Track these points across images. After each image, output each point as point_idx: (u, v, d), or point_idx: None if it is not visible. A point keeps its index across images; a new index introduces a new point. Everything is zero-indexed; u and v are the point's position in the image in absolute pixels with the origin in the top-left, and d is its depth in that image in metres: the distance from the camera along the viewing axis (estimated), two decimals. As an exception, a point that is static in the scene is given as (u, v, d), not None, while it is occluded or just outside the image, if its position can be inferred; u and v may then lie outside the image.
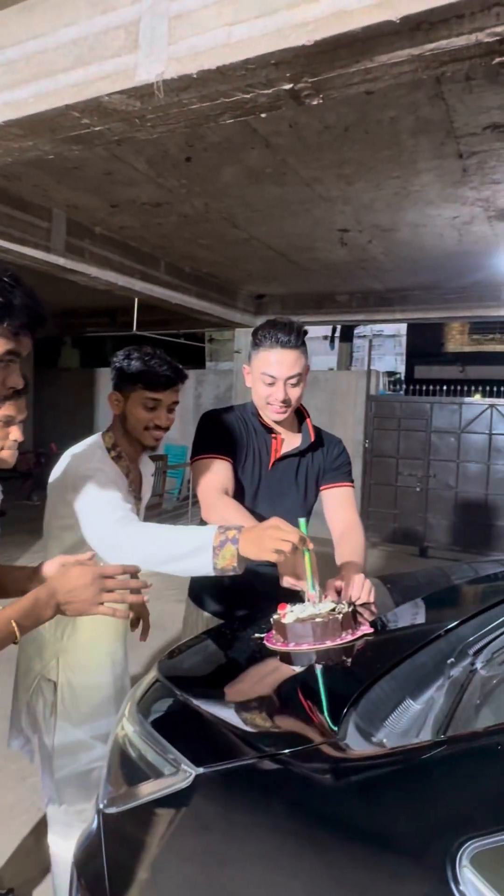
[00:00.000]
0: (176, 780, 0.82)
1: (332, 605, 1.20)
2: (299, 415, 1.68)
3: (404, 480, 6.83)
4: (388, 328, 12.12)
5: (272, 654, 1.14)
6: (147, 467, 1.66)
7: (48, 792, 1.54)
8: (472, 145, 2.97)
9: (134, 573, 1.06)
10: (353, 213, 3.98)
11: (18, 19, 2.10)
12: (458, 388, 6.69)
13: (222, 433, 1.58)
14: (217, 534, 1.16)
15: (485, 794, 0.61)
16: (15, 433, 1.00)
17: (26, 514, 3.83)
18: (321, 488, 1.67)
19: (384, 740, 0.81)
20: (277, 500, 1.62)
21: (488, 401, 6.45)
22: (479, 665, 1.01)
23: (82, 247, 4.39)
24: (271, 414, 1.55)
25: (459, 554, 6.42)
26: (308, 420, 1.66)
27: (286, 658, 1.11)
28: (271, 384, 1.50)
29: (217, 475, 1.52)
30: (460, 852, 0.53)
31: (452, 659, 1.02)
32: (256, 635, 1.22)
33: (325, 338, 10.87)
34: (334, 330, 10.41)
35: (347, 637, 1.13)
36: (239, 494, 1.60)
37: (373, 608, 1.34)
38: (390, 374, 11.37)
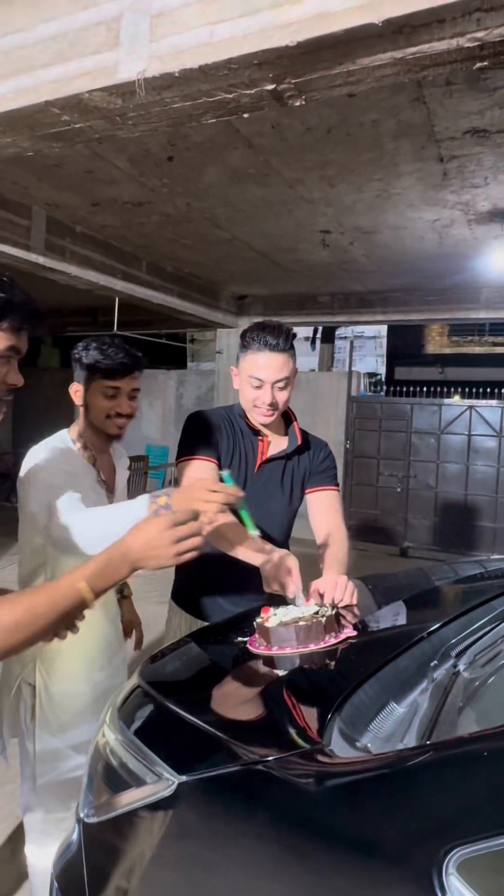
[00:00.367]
0: (158, 789, 0.81)
1: (316, 609, 1.19)
2: (286, 418, 1.68)
3: (385, 481, 6.88)
4: (369, 330, 12.20)
5: (255, 658, 1.13)
6: (121, 459, 1.65)
7: (26, 800, 1.52)
8: (452, 149, 3.00)
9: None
10: (335, 215, 3.99)
11: (-2, 13, 2.06)
12: (438, 389, 6.76)
13: (208, 435, 1.58)
14: (149, 503, 1.12)
15: (471, 801, 0.61)
16: None
17: (5, 515, 3.76)
18: (306, 491, 1.67)
19: (368, 745, 0.80)
20: (263, 503, 1.61)
21: (467, 402, 6.53)
22: (461, 667, 1.01)
23: (63, 245, 4.34)
24: (258, 417, 1.55)
25: (439, 554, 6.48)
26: (295, 423, 1.66)
27: (269, 662, 1.10)
28: (259, 387, 1.49)
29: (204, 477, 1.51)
30: (447, 860, 0.53)
31: (435, 661, 1.02)
32: (239, 639, 1.21)
33: (307, 339, 10.91)
34: (315, 331, 10.45)
35: (331, 640, 1.13)
36: None
37: (355, 610, 1.34)
38: (371, 375, 11.44)
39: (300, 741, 0.81)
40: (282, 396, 1.52)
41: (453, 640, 1.12)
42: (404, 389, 6.92)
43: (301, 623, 1.12)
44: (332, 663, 1.09)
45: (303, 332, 10.68)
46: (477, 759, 0.67)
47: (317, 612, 1.17)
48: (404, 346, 12.51)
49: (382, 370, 12.60)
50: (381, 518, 6.90)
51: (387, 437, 6.88)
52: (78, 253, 4.48)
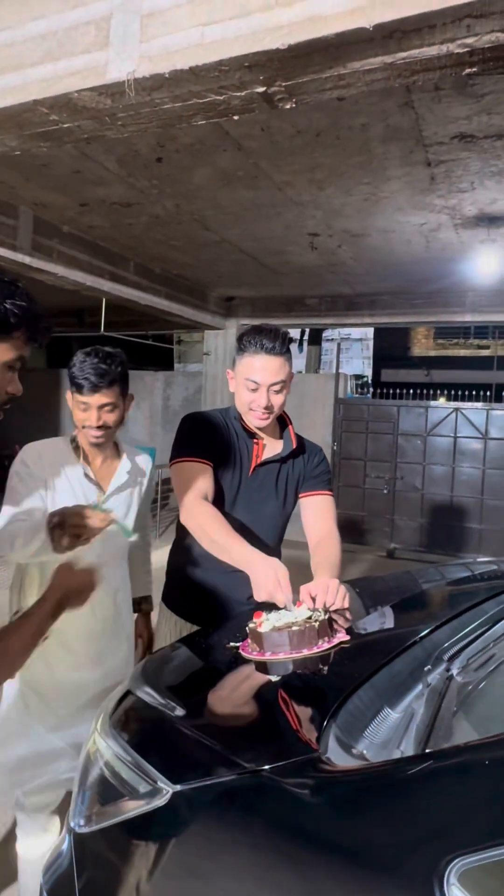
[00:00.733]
0: (152, 799, 0.80)
1: (309, 613, 1.19)
2: (282, 422, 1.68)
3: (372, 483, 6.91)
4: (356, 332, 12.27)
5: (248, 663, 1.12)
6: (131, 462, 1.67)
7: (17, 796, 1.54)
8: (440, 154, 3.02)
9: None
10: (324, 218, 4.00)
11: (-16, 11, 2.04)
12: (424, 391, 6.81)
13: (204, 437, 1.57)
14: None
15: (472, 810, 0.61)
16: None
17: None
18: (300, 495, 1.67)
19: (364, 752, 0.80)
20: (256, 506, 1.61)
21: (453, 404, 6.58)
22: (454, 671, 1.01)
23: (50, 246, 4.30)
24: (254, 420, 1.54)
25: (426, 555, 6.52)
26: (290, 427, 1.66)
27: (262, 668, 1.09)
28: (255, 390, 1.49)
29: (198, 480, 1.51)
30: (448, 869, 0.53)
31: (429, 666, 1.02)
32: (231, 644, 1.20)
33: (294, 341, 10.92)
34: (303, 333, 10.47)
35: (324, 645, 1.12)
36: (218, 498, 1.58)
37: (347, 614, 1.34)
38: (358, 377, 11.51)
39: (297, 749, 0.81)
40: (277, 399, 1.52)
41: (445, 644, 1.12)
42: (391, 391, 6.96)
43: (294, 628, 1.12)
44: (326, 668, 1.09)
45: (290, 334, 10.68)
46: (478, 768, 0.66)
47: (310, 617, 1.17)
48: (390, 348, 12.60)
49: (369, 372, 12.67)
50: (367, 520, 6.93)
51: (374, 438, 6.91)
52: (65, 253, 4.45)
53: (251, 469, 1.60)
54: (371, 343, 12.70)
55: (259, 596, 1.29)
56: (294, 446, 1.62)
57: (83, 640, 1.61)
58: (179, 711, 0.95)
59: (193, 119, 2.03)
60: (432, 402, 6.70)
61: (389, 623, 1.41)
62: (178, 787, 0.78)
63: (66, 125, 2.11)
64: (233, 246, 4.73)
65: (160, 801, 0.79)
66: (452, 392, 6.84)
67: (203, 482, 1.51)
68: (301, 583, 1.37)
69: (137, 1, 1.81)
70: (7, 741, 1.54)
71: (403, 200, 3.64)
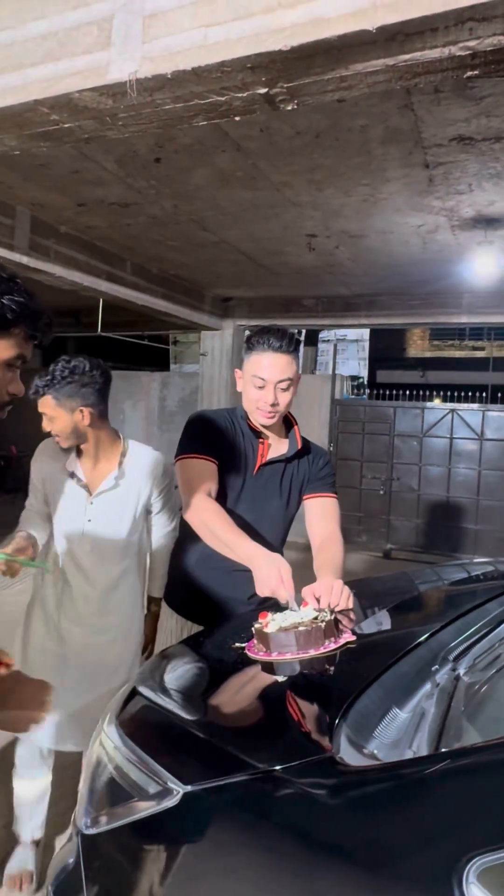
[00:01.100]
0: (162, 800, 0.80)
1: (315, 614, 1.19)
2: (287, 423, 1.69)
3: (368, 483, 6.92)
4: (352, 333, 12.28)
5: (255, 664, 1.12)
6: (115, 470, 1.73)
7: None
8: (438, 156, 3.04)
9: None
10: (322, 219, 4.01)
11: (-15, 10, 2.03)
12: (420, 392, 6.83)
13: (209, 435, 1.59)
14: None
15: (490, 809, 0.61)
16: None
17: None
18: (304, 497, 1.68)
19: (375, 752, 0.80)
20: (260, 505, 1.62)
21: (449, 405, 6.60)
22: (461, 671, 1.01)
23: (47, 246, 4.29)
24: (260, 418, 1.55)
25: (422, 556, 6.54)
26: (296, 428, 1.67)
27: (269, 668, 1.10)
28: (262, 387, 1.51)
29: (202, 477, 1.52)
30: (467, 868, 0.53)
31: (436, 666, 1.02)
32: (237, 645, 1.20)
33: (301, 342, 10.92)
34: (299, 334, 10.48)
35: (330, 646, 1.13)
36: (222, 497, 1.59)
37: (351, 615, 1.34)
38: (353, 378, 11.52)
39: (310, 749, 0.81)
40: (284, 398, 1.53)
41: (451, 645, 1.13)
42: (386, 393, 6.98)
43: (301, 628, 1.12)
44: (333, 669, 1.09)
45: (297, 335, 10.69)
46: (496, 766, 0.67)
47: (316, 618, 1.17)
48: (386, 349, 12.63)
49: (364, 373, 12.69)
50: (364, 520, 6.94)
51: (370, 439, 6.92)
52: (63, 253, 4.44)
53: (256, 468, 1.61)
54: (367, 344, 12.73)
55: (262, 591, 1.30)
56: (299, 447, 1.63)
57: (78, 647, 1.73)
58: (187, 712, 0.95)
59: (194, 120, 2.03)
60: (428, 404, 6.72)
61: (394, 624, 1.41)
62: (189, 788, 0.78)
63: (66, 125, 2.11)
64: (231, 246, 4.73)
65: (171, 802, 0.78)
66: (447, 393, 6.87)
67: (207, 479, 1.52)
68: (302, 583, 1.38)
69: (139, 1, 1.81)
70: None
71: (402, 202, 3.65)
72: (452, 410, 6.54)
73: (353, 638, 1.17)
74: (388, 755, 0.79)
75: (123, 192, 3.68)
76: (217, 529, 1.42)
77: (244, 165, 3.21)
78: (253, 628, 1.19)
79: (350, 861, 0.62)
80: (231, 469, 1.59)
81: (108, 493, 1.71)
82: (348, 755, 0.77)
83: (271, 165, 3.21)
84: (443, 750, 0.77)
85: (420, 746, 0.81)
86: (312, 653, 1.10)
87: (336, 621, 1.20)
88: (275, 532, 1.66)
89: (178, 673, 1.18)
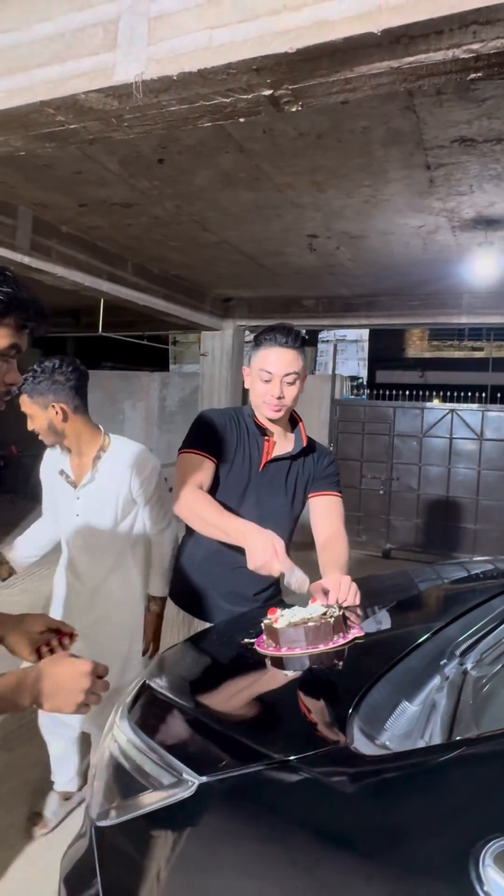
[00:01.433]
0: (178, 791, 0.81)
1: (323, 610, 1.20)
2: (293, 421, 1.72)
3: (368, 483, 6.94)
4: (351, 334, 12.30)
5: (264, 658, 1.13)
6: (98, 461, 1.80)
7: None
8: (439, 157, 3.05)
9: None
10: (324, 220, 4.02)
11: (-9, 12, 2.05)
12: (419, 393, 6.85)
13: (212, 433, 1.61)
14: None
15: (506, 794, 0.63)
16: None
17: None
18: (309, 496, 1.70)
19: (387, 743, 0.82)
20: (265, 502, 1.64)
21: (449, 406, 6.62)
22: (468, 666, 1.03)
23: (49, 246, 4.30)
24: (267, 411, 1.58)
25: (421, 555, 6.56)
26: (301, 426, 1.70)
27: (278, 663, 1.11)
28: (268, 381, 1.55)
29: (196, 471, 1.55)
30: (484, 851, 0.55)
31: (444, 660, 1.04)
32: (246, 640, 1.21)
33: (307, 340, 10.93)
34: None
35: (339, 641, 1.14)
36: (227, 493, 1.61)
37: (358, 611, 1.36)
38: (353, 378, 11.54)
39: (324, 740, 0.82)
40: (290, 392, 1.56)
41: (458, 640, 1.14)
42: (385, 393, 7.00)
43: (310, 624, 1.13)
44: (342, 664, 1.10)
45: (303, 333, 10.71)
46: (511, 752, 0.68)
47: (324, 614, 1.19)
48: (385, 349, 12.65)
49: (364, 374, 12.72)
50: (364, 520, 6.95)
51: (370, 439, 6.94)
52: (64, 253, 4.45)
53: (261, 465, 1.63)
54: (366, 345, 12.75)
55: (253, 564, 1.29)
56: (304, 444, 1.66)
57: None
58: (199, 704, 0.97)
59: (199, 121, 2.04)
60: (428, 404, 6.74)
61: (400, 620, 1.43)
62: (205, 779, 0.79)
63: (72, 126, 2.12)
64: (232, 247, 4.75)
65: (186, 793, 0.80)
66: (446, 393, 6.89)
67: (200, 474, 1.55)
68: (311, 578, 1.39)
69: (145, 4, 1.82)
70: None
71: (402, 203, 3.66)
72: (452, 410, 6.56)
73: (362, 633, 1.19)
74: (400, 746, 0.81)
75: (126, 193, 3.69)
76: (206, 514, 1.45)
77: (247, 166, 3.23)
78: (262, 624, 1.21)
79: (367, 846, 0.63)
80: (236, 466, 1.62)
81: (88, 487, 1.79)
82: (362, 746, 0.78)
83: (274, 166, 3.22)
84: (457, 738, 0.78)
85: (433, 737, 0.82)
86: (322, 648, 1.12)
87: (344, 617, 1.21)
88: (280, 529, 1.66)
89: (188, 668, 1.19)
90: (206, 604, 1.67)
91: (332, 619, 1.15)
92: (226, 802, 0.77)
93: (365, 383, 12.25)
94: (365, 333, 12.40)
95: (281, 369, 1.53)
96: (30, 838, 2.00)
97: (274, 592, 1.72)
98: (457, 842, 0.58)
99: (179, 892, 0.77)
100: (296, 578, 1.30)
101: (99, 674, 0.92)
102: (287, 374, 1.54)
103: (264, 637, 1.19)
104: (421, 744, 0.81)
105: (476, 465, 6.49)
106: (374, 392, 7.32)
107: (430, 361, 12.59)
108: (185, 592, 1.73)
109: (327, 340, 11.63)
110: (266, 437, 1.64)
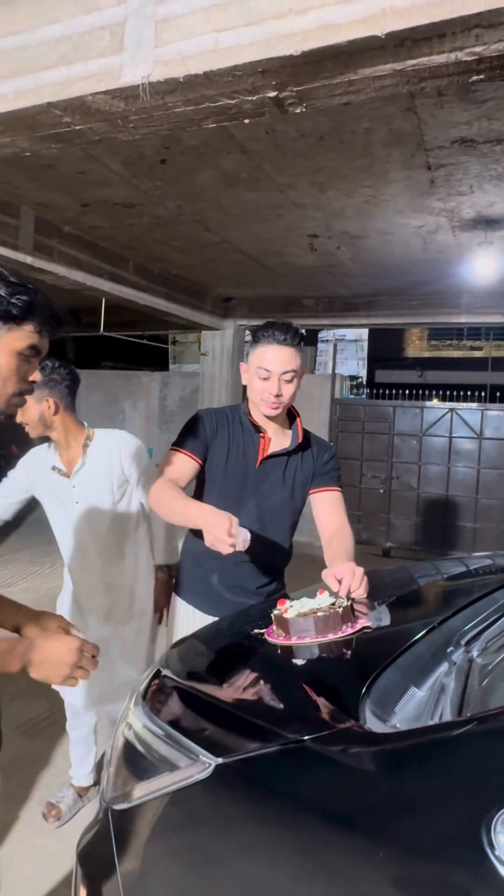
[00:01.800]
0: (194, 772, 0.84)
1: (332, 600, 1.23)
2: (290, 416, 1.73)
3: (368, 482, 6.97)
4: (350, 333, 12.34)
5: (274, 648, 1.16)
6: (87, 448, 1.94)
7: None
8: (440, 158, 3.08)
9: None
10: (324, 220, 4.05)
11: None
12: (418, 392, 6.88)
13: (200, 432, 1.64)
14: None
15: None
16: None
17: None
18: (311, 492, 1.71)
19: (398, 725, 0.85)
20: (264, 498, 1.65)
21: (449, 405, 6.66)
22: (474, 653, 1.06)
23: (51, 246, 4.32)
24: (264, 408, 1.59)
25: (421, 554, 6.58)
26: (298, 421, 1.71)
27: (289, 651, 1.14)
28: (266, 378, 1.56)
29: (174, 468, 1.60)
30: (496, 819, 0.57)
31: (452, 648, 1.07)
32: (256, 631, 1.24)
33: (305, 337, 10.95)
34: (300, 333, 10.51)
35: (348, 630, 1.17)
36: (226, 491, 1.63)
37: (365, 602, 1.38)
38: (352, 378, 11.58)
39: (337, 721, 0.85)
40: (288, 389, 1.57)
41: (463, 629, 1.17)
42: (385, 392, 7.03)
43: (319, 613, 1.16)
44: (351, 652, 1.13)
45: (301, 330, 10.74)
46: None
47: (333, 603, 1.21)
48: (385, 349, 12.68)
49: (363, 373, 12.75)
50: (364, 519, 6.98)
51: (370, 439, 6.97)
52: (66, 253, 4.47)
53: (258, 462, 1.65)
54: (365, 344, 12.79)
55: (209, 540, 1.30)
56: (300, 440, 1.67)
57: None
58: (213, 690, 0.99)
59: (204, 122, 2.07)
60: (428, 403, 6.77)
61: (405, 611, 1.46)
62: (221, 760, 0.82)
63: (78, 127, 2.15)
64: (233, 247, 4.78)
65: (202, 774, 0.82)
66: (445, 393, 6.93)
67: (178, 470, 1.59)
68: (305, 580, 1.42)
69: (152, 7, 1.85)
70: None
71: (403, 203, 3.69)
72: (452, 410, 6.59)
73: (369, 623, 1.21)
74: (411, 728, 0.83)
75: (128, 193, 3.71)
76: (173, 504, 1.49)
77: (249, 167, 3.26)
78: (272, 614, 1.23)
79: (383, 817, 0.66)
80: (232, 463, 1.64)
81: (81, 472, 1.93)
82: (374, 727, 0.81)
83: (275, 167, 3.25)
84: (468, 715, 0.81)
85: (443, 718, 0.85)
86: (331, 637, 1.14)
87: (352, 607, 1.24)
88: (282, 524, 1.69)
89: (200, 656, 1.22)
90: (211, 597, 1.69)
91: (340, 609, 1.17)
92: (242, 782, 0.80)
93: (364, 383, 12.29)
94: (364, 333, 12.44)
95: (279, 367, 1.55)
96: (41, 828, 2.06)
97: (277, 588, 1.75)
98: (470, 811, 0.61)
99: (198, 871, 0.80)
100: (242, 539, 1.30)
101: (88, 652, 0.99)
102: (285, 372, 1.55)
103: (274, 627, 1.21)
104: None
105: (475, 464, 6.52)
106: (374, 391, 7.35)
107: (429, 361, 12.63)
108: (190, 587, 1.75)
109: (327, 340, 11.66)
110: (261, 435, 1.66)
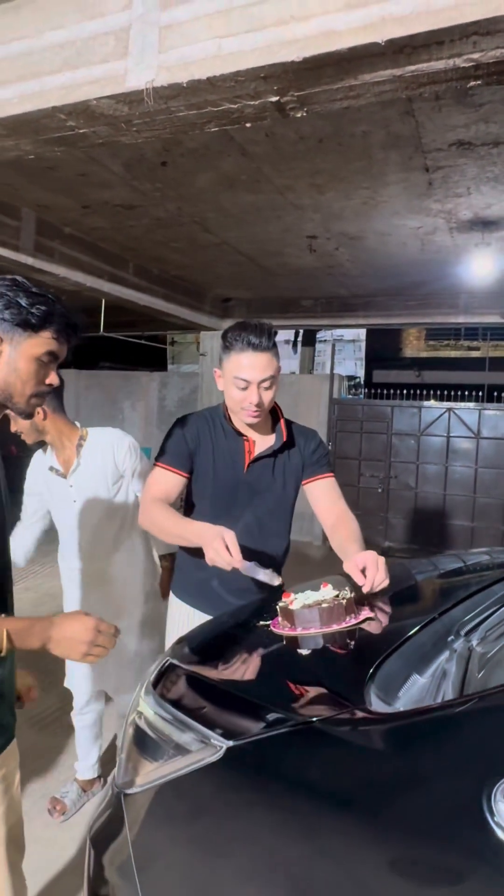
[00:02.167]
0: (205, 755, 0.87)
1: (335, 592, 1.27)
2: (273, 414, 1.67)
3: (366, 482, 7.01)
4: (348, 334, 12.39)
5: (279, 637, 1.20)
6: (81, 448, 2.00)
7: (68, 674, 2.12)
8: (437, 160, 3.12)
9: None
10: (323, 221, 4.09)
11: (4, 20, 2.10)
12: (416, 392, 6.93)
13: (182, 443, 1.60)
14: None
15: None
16: None
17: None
18: (304, 482, 1.68)
19: (401, 709, 0.88)
20: (257, 500, 1.63)
21: (446, 405, 6.70)
22: (474, 643, 1.10)
23: (52, 247, 4.35)
24: (246, 418, 1.54)
25: (419, 552, 6.63)
26: (281, 419, 1.66)
27: (294, 642, 1.17)
28: (245, 388, 1.48)
29: (162, 486, 1.57)
30: (496, 788, 0.61)
31: (452, 637, 1.10)
32: (261, 623, 1.27)
33: (288, 342, 11.02)
34: (297, 334, 10.58)
35: (351, 621, 1.20)
36: (218, 497, 1.61)
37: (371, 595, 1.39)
38: (350, 378, 11.63)
39: (344, 703, 0.88)
40: (268, 396, 1.51)
41: (463, 620, 1.21)
42: (383, 392, 7.07)
43: (324, 605, 1.20)
44: (355, 641, 1.17)
45: (284, 335, 10.81)
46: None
47: (337, 595, 1.25)
48: (382, 349, 12.73)
49: (361, 373, 12.80)
50: (362, 518, 6.92)
51: (368, 438, 7.01)
52: (67, 254, 4.50)
53: (245, 466, 1.61)
54: (363, 344, 12.84)
55: (210, 556, 1.30)
56: (284, 438, 1.63)
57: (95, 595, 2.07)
58: (222, 677, 1.03)
59: (207, 126, 2.10)
60: (426, 403, 6.82)
61: (406, 604, 1.49)
62: (231, 742, 0.85)
63: (82, 131, 2.18)
64: (232, 248, 4.81)
65: (214, 757, 0.86)
66: (443, 393, 6.97)
67: (166, 488, 1.56)
68: (305, 577, 1.44)
69: (156, 13, 1.88)
70: None
71: (401, 205, 3.73)
72: (450, 409, 6.64)
73: (372, 614, 1.25)
74: (414, 710, 0.87)
75: (128, 195, 3.75)
76: (165, 524, 1.47)
77: (248, 169, 3.29)
78: (277, 606, 1.26)
79: (390, 791, 0.69)
80: (220, 470, 1.60)
81: (77, 472, 1.99)
82: (379, 710, 0.84)
83: (275, 169, 3.29)
84: (469, 693, 0.85)
85: (446, 698, 0.88)
86: (335, 627, 1.18)
87: (356, 599, 1.28)
88: (279, 522, 1.68)
89: (208, 646, 1.25)
90: (213, 599, 1.67)
91: (343, 601, 1.21)
92: (253, 764, 0.83)
93: (362, 383, 12.34)
94: (362, 333, 12.49)
95: (257, 376, 1.46)
96: (47, 820, 2.11)
97: (278, 584, 1.77)
98: (472, 782, 0.65)
99: (211, 851, 0.83)
100: (263, 574, 1.37)
101: (106, 631, 1.04)
102: (264, 380, 1.47)
103: (280, 619, 1.25)
104: (434, 707, 0.87)
105: (473, 464, 6.57)
106: (372, 391, 7.39)
107: (426, 361, 12.68)
108: (190, 589, 1.74)
109: (325, 340, 11.70)
110: (245, 439, 1.61)
